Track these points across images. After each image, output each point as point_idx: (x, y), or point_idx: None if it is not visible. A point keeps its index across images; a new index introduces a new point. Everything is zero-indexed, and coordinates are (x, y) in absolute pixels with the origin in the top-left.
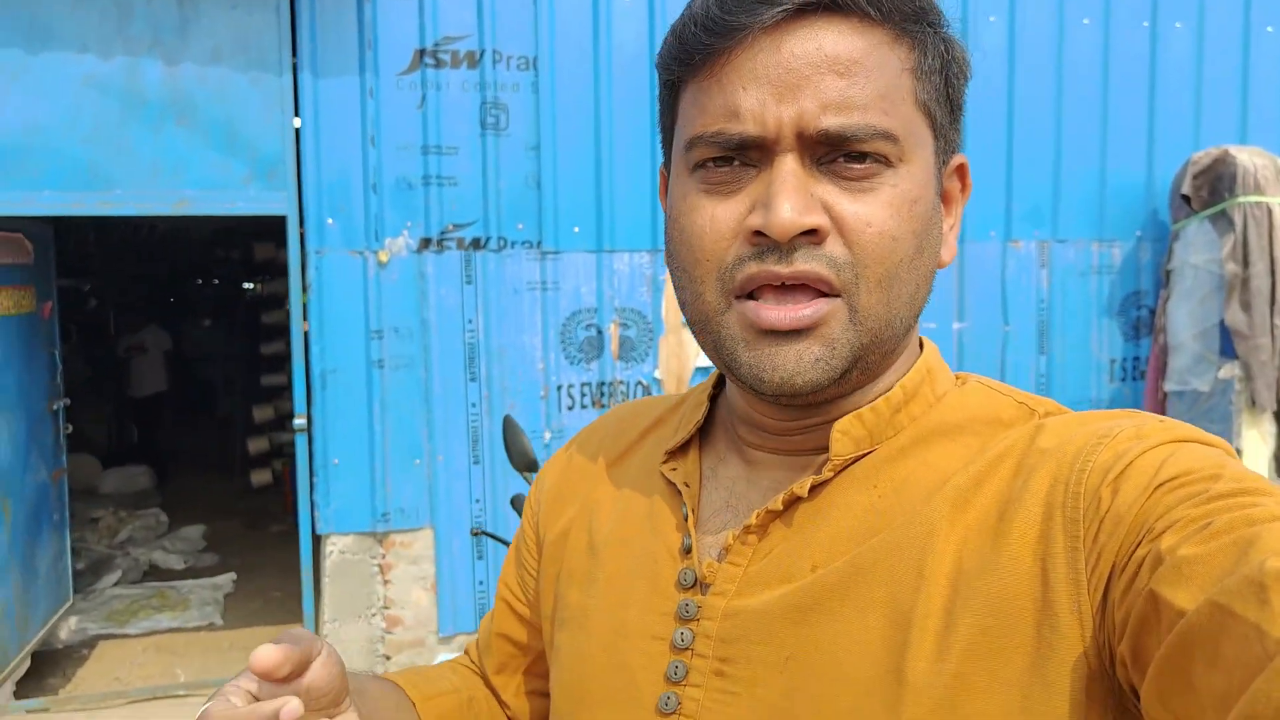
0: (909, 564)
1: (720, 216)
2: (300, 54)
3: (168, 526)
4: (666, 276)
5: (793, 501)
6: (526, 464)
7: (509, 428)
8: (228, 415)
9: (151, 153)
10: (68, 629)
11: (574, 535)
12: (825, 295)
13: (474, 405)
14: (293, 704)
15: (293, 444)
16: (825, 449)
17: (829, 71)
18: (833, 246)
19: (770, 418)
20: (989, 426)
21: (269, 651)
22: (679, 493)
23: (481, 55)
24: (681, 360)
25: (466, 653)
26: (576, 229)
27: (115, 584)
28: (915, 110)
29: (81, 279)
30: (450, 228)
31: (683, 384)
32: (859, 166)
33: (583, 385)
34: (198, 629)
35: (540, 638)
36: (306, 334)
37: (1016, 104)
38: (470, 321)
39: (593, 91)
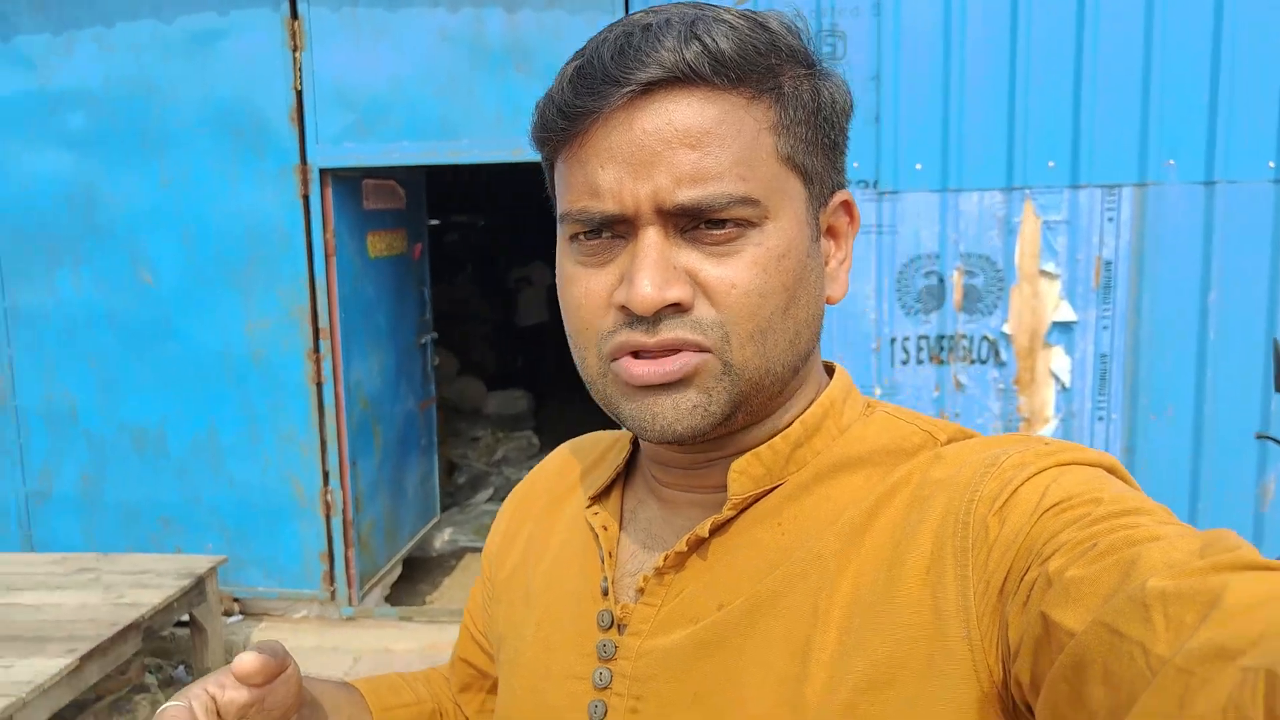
0: (805, 598)
1: (593, 289)
2: None
3: (538, 448)
4: (1022, 218)
5: (698, 542)
6: None
7: None
8: None
9: (494, 102)
10: (441, 539)
11: (516, 578)
12: (693, 351)
13: None
14: None
15: None
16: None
17: (680, 145)
18: (700, 310)
19: (674, 454)
20: (892, 456)
21: (250, 659)
22: (598, 536)
23: None
24: (1036, 313)
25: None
26: (919, 166)
27: (488, 500)
28: (779, 165)
29: (475, 215)
30: None
31: (1036, 339)
32: (720, 232)
33: (920, 338)
34: None
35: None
36: None
37: None
38: None
39: (943, 13)
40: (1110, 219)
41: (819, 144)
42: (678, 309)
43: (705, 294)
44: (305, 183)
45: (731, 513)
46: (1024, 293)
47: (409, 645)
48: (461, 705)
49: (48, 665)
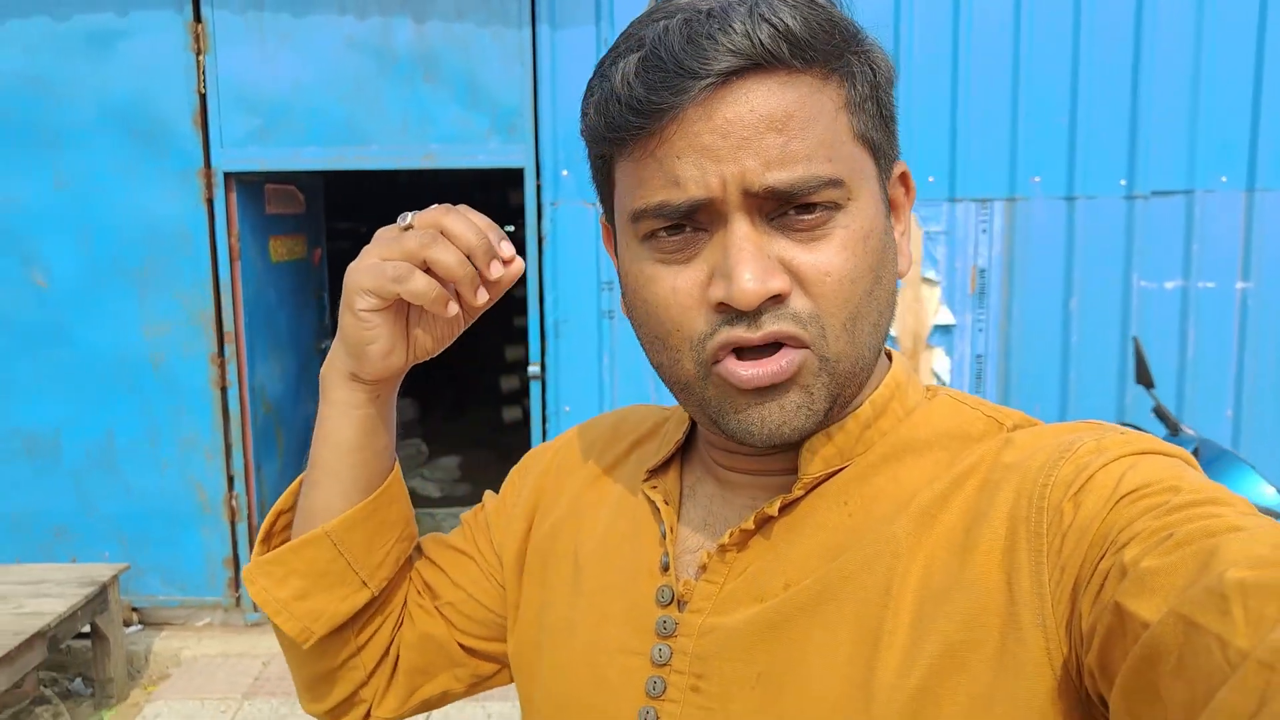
0: (876, 580)
1: (681, 288)
2: (539, 6)
3: (427, 456)
4: None
5: (765, 520)
6: None
7: None
8: (482, 354)
9: (402, 108)
10: None
11: (561, 541)
12: (794, 347)
13: None
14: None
15: None
16: (795, 469)
17: (766, 130)
18: (796, 302)
19: (744, 450)
20: (957, 441)
21: (512, 251)
22: (659, 510)
23: None
24: (919, 317)
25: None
26: None
27: None
28: (856, 145)
29: (364, 223)
30: None
31: (919, 341)
32: (809, 217)
33: None
34: None
35: (472, 584)
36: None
37: None
38: None
39: None
40: (984, 230)
41: (881, 117)
42: (777, 300)
43: (799, 283)
44: (209, 186)
45: (801, 492)
46: (907, 298)
47: None
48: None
49: None
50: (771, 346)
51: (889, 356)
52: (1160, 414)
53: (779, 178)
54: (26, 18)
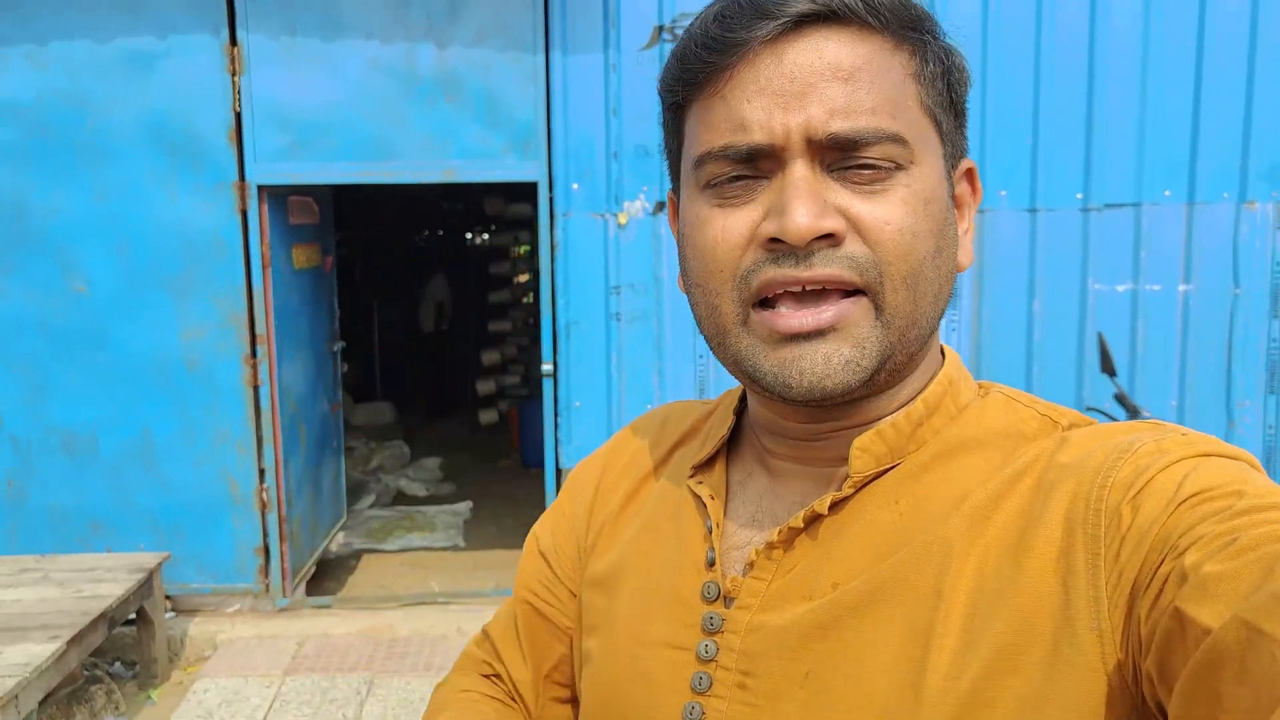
0: (927, 581)
1: (732, 225)
2: (552, 34)
3: (409, 457)
4: None
5: (814, 518)
6: None
7: None
8: (457, 359)
9: (424, 127)
10: (337, 543)
11: (606, 542)
12: (848, 295)
13: (701, 357)
14: None
15: (515, 386)
16: (846, 459)
17: (833, 79)
18: (852, 246)
19: (794, 422)
20: (1011, 440)
21: None
22: (705, 506)
23: None
24: None
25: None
26: None
27: (370, 506)
28: (921, 114)
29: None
30: None
31: None
32: (870, 171)
33: None
34: (444, 549)
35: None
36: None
37: (1258, 60)
38: None
39: None
40: None
41: (951, 103)
42: (831, 241)
43: (857, 230)
44: (243, 198)
45: (851, 490)
46: None
47: (346, 629)
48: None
49: (37, 650)
50: (818, 296)
51: (943, 353)
52: (1121, 399)
53: (842, 125)
54: (69, 40)
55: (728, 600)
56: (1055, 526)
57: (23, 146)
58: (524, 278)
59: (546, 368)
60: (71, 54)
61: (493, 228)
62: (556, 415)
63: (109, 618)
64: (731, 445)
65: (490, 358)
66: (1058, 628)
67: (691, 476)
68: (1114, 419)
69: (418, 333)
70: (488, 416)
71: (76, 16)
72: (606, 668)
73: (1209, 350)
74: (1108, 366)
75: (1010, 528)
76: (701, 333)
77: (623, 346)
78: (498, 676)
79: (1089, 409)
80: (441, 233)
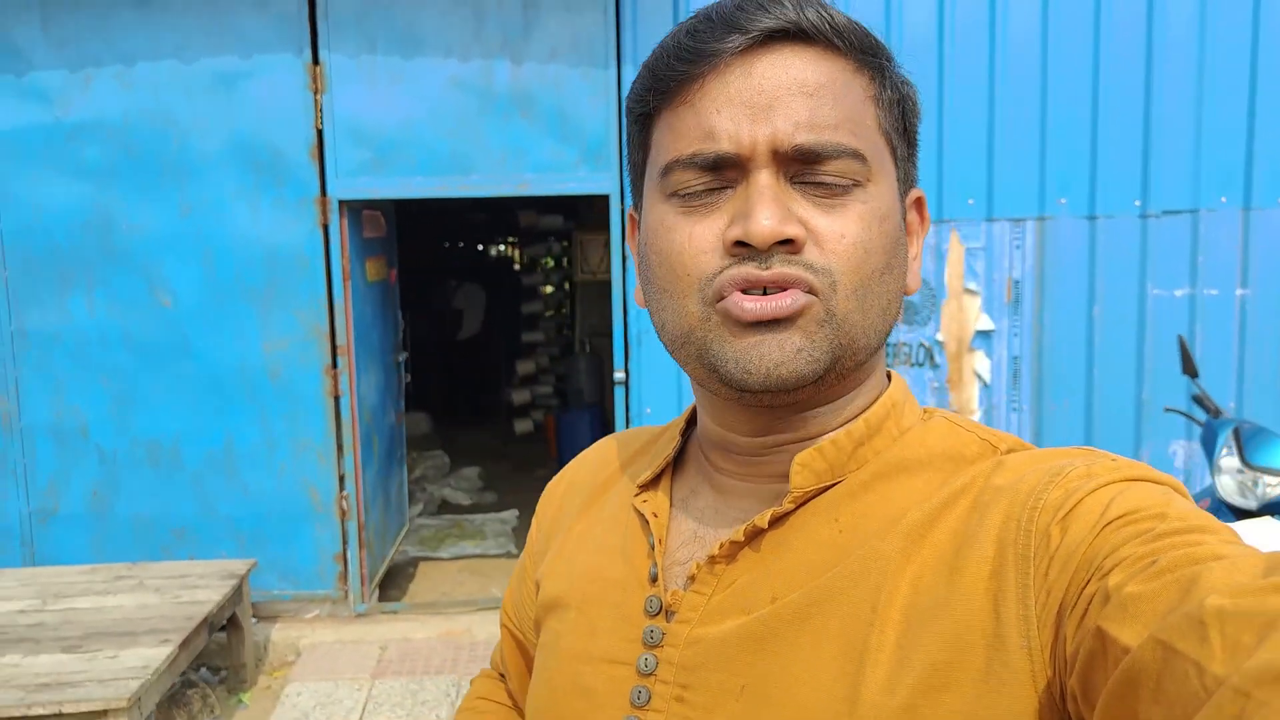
0: (863, 597)
1: (698, 233)
2: (624, 49)
3: (450, 467)
4: (949, 246)
5: (755, 533)
6: None
7: None
8: (487, 369)
9: (499, 141)
10: (394, 551)
11: (555, 564)
12: (802, 291)
13: None
14: None
15: (548, 396)
16: (788, 479)
17: (799, 94)
18: (810, 254)
19: (742, 435)
20: (951, 462)
21: None
22: (648, 523)
23: None
24: (962, 324)
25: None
26: None
27: (419, 514)
28: (879, 136)
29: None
30: None
31: (963, 345)
32: (830, 184)
33: None
34: (497, 556)
35: None
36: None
37: None
38: None
39: None
40: (1018, 246)
41: (904, 131)
42: (790, 247)
43: (815, 241)
44: (325, 213)
45: (791, 505)
46: (952, 307)
47: (426, 634)
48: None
49: (152, 653)
50: (781, 289)
51: (889, 377)
52: (1201, 400)
53: (807, 139)
54: (156, 60)
55: (669, 614)
56: (988, 546)
57: (110, 164)
58: (549, 289)
59: (619, 375)
60: (158, 74)
61: (526, 240)
62: (628, 421)
63: (209, 623)
64: (677, 465)
65: (525, 367)
66: (989, 645)
67: (637, 495)
68: (1195, 420)
69: (449, 342)
70: (523, 426)
71: (163, 38)
72: (547, 684)
73: (1266, 354)
74: (1189, 368)
75: (945, 546)
76: (662, 340)
77: None
78: (503, 675)
79: (1167, 409)
80: (470, 245)
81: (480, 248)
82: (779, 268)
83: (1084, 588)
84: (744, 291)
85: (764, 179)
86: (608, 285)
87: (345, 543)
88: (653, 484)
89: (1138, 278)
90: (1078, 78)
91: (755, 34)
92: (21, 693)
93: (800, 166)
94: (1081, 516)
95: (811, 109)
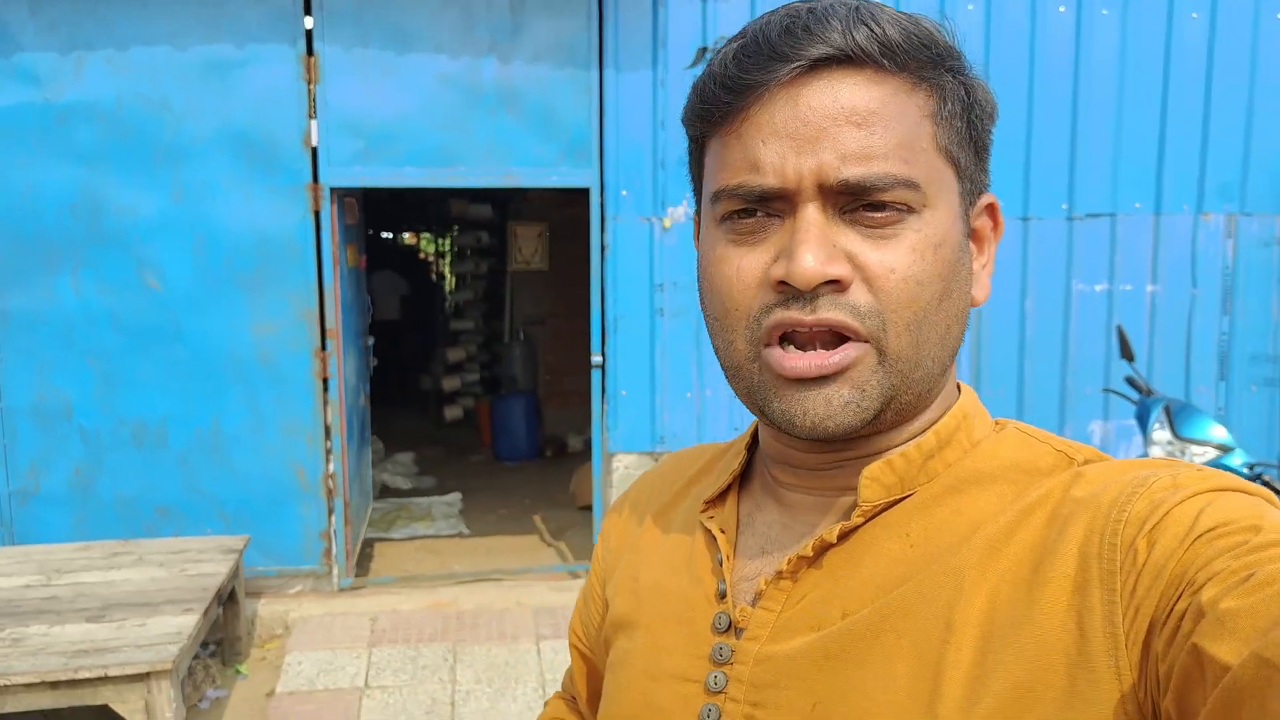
0: (937, 613)
1: (746, 267)
2: (606, 52)
3: (384, 453)
4: None
5: (824, 548)
6: None
7: None
8: (417, 356)
9: (487, 136)
10: (364, 529)
11: (623, 583)
12: (852, 340)
13: None
14: None
15: (477, 384)
16: (856, 490)
17: (846, 123)
18: (856, 295)
19: (803, 452)
20: (1025, 474)
21: None
22: (715, 539)
23: None
24: None
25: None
26: None
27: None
28: (937, 156)
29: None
30: None
31: None
32: (880, 215)
33: None
34: (450, 536)
35: None
36: (603, 286)
37: (1214, 88)
38: None
39: None
40: None
41: (970, 141)
42: (836, 287)
43: (863, 278)
44: (316, 200)
45: (860, 520)
46: None
47: (413, 605)
48: None
49: (179, 621)
50: (825, 339)
51: (959, 389)
52: (1133, 381)
53: (854, 172)
54: (151, 45)
55: (738, 631)
56: (1070, 560)
57: (101, 147)
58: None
59: (596, 359)
60: (152, 59)
61: (456, 229)
62: (604, 401)
63: (220, 595)
64: (744, 481)
65: (456, 354)
66: (1074, 664)
67: (703, 511)
68: (1129, 399)
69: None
70: (453, 412)
71: (157, 23)
72: (618, 702)
73: (1171, 342)
74: (1127, 353)
75: (1023, 560)
76: (718, 360)
77: (665, 340)
78: (575, 699)
79: (1104, 390)
80: (379, 233)
81: (389, 236)
82: (824, 311)
83: (1175, 603)
84: (786, 336)
85: (810, 214)
86: (540, 275)
87: (332, 519)
88: (718, 500)
89: (1064, 274)
90: (1014, 95)
91: (801, 63)
92: (63, 658)
93: (848, 199)
94: (1169, 529)
95: (861, 139)
